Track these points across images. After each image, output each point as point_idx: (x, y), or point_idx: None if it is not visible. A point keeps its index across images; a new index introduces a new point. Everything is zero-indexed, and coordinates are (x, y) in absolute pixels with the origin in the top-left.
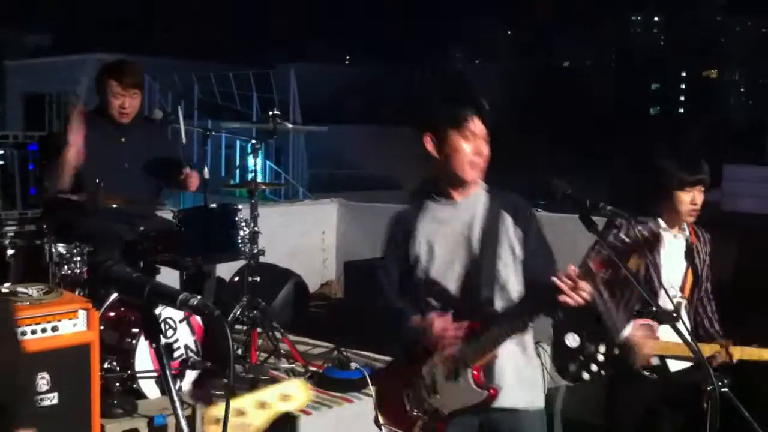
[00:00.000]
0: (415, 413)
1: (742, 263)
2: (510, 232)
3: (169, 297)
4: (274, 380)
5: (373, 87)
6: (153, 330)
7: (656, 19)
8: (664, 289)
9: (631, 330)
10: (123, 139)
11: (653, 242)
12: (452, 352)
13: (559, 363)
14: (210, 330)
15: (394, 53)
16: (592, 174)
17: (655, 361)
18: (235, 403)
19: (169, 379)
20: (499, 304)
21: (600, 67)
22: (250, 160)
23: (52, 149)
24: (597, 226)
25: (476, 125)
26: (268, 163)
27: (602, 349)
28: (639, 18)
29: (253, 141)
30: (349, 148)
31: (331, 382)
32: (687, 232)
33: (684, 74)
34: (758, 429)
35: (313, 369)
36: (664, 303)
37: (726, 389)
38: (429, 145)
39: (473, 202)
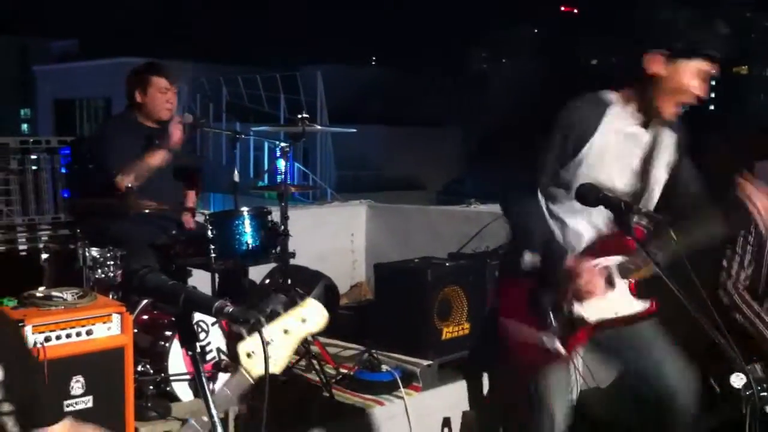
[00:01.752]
0: (548, 320)
1: None
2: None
3: (204, 305)
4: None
5: (399, 87)
6: (189, 338)
7: None
8: None
9: None
10: (156, 142)
11: None
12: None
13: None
14: None
15: (418, 53)
16: None
17: None
18: (264, 332)
19: (205, 385)
20: None
21: (626, 65)
22: (280, 163)
23: (83, 153)
24: (633, 229)
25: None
26: (296, 164)
27: None
28: None
29: (283, 144)
30: (374, 148)
31: (363, 385)
32: None
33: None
34: None
35: (344, 371)
36: None
37: (766, 393)
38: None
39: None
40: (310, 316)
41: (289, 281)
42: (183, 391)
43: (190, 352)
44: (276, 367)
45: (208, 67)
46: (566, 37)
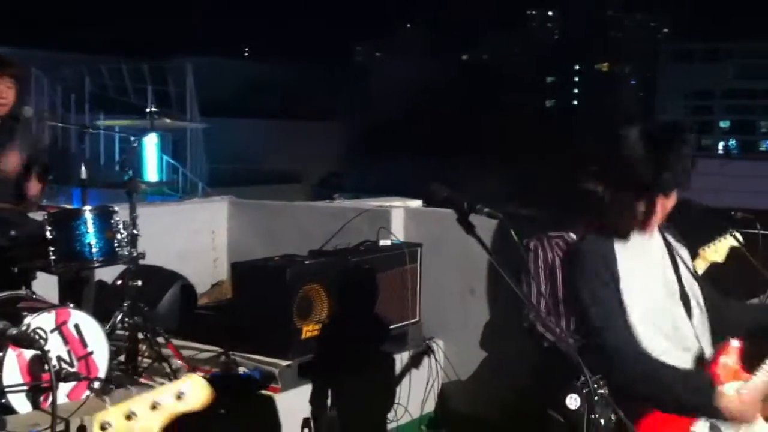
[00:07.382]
0: None
1: None
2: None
3: None
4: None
5: (279, 81)
6: None
7: (550, 13)
8: None
9: None
10: None
11: None
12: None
13: None
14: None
15: (299, 48)
16: (487, 166)
17: None
18: (124, 405)
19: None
20: None
21: (498, 61)
22: (144, 157)
23: None
24: (475, 227)
25: None
26: (165, 157)
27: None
28: (534, 12)
29: (132, 138)
30: (254, 142)
31: (218, 388)
32: None
33: (577, 67)
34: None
35: (199, 375)
36: None
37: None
38: None
39: None
40: (189, 391)
41: (140, 283)
42: (20, 402)
43: None
44: None
45: (71, 57)
46: (439, 34)
